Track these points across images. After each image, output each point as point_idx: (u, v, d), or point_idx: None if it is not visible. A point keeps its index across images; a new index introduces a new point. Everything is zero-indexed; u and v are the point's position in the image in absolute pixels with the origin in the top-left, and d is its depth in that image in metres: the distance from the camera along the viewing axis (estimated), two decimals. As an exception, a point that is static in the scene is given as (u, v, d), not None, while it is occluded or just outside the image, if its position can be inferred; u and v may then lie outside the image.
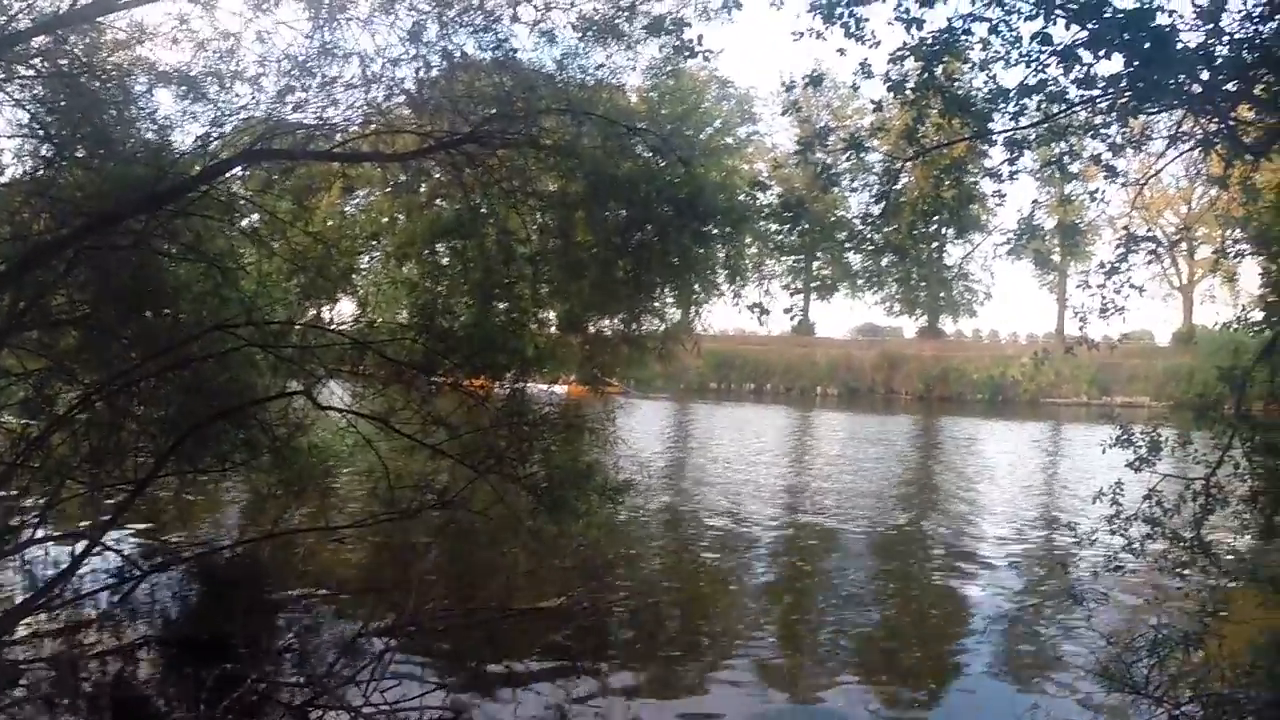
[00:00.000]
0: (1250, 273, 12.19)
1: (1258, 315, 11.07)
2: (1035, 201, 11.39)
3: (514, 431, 12.23)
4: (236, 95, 13.37)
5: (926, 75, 9.40)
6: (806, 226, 10.48)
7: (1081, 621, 12.39)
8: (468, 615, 12.62)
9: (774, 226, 10.87)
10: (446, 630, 12.31)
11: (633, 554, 19.15)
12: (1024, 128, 9.73)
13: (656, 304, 15.50)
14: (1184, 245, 77.71)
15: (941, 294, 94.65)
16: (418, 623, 11.84)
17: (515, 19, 14.47)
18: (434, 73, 13.73)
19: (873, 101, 10.38)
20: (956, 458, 41.33)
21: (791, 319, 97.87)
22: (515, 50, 14.42)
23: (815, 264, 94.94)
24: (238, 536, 14.90)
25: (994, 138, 9.93)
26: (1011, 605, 16.44)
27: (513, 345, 13.49)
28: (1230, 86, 8.46)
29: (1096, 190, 11.10)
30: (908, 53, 9.37)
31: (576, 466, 12.39)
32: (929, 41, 9.19)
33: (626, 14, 14.09)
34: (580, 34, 14.25)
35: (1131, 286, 10.58)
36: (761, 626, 15.06)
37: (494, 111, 13.59)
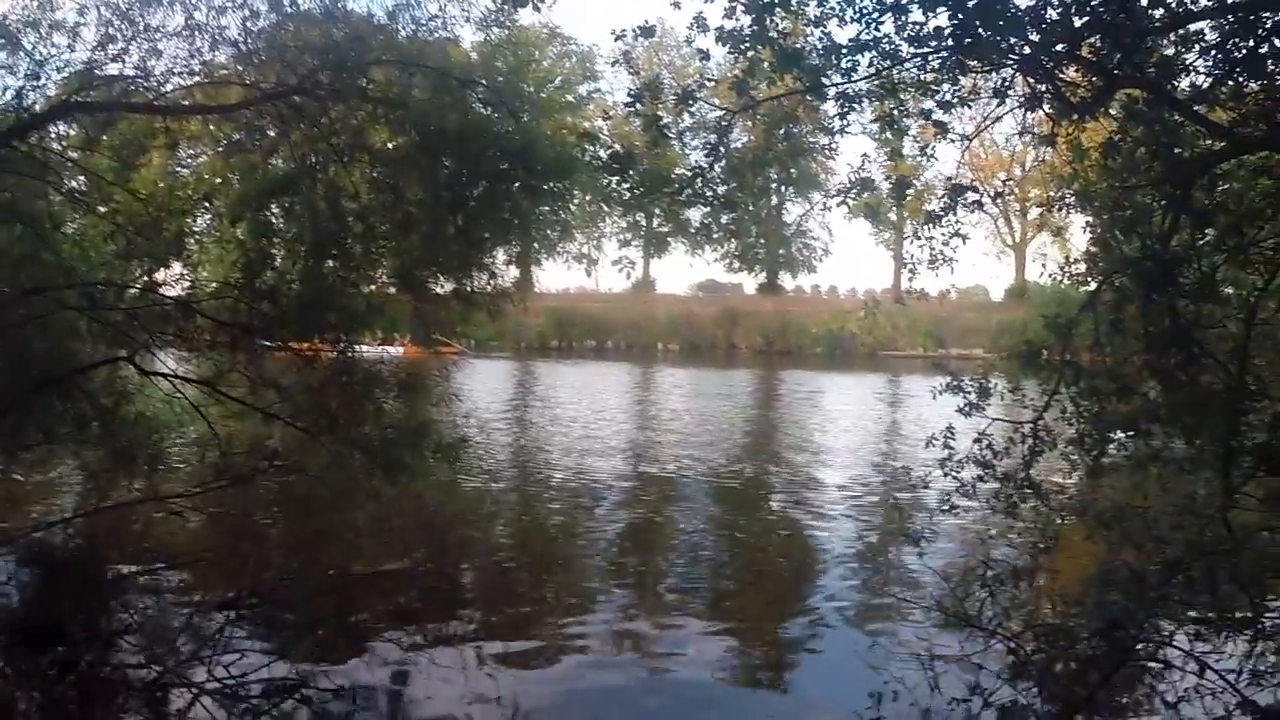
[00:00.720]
0: (1080, 231, 12.61)
1: (1082, 268, 11.44)
2: (865, 155, 11.56)
3: (345, 391, 11.96)
4: (54, 46, 12.76)
5: (758, 29, 9.40)
6: (637, 179, 10.45)
7: (918, 562, 12.70)
8: (310, 582, 12.34)
9: (608, 181, 10.83)
10: (289, 599, 12.01)
11: (477, 513, 18.99)
12: (857, 80, 9.84)
13: (489, 260, 15.24)
14: (1016, 204, 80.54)
15: (781, 251, 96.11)
16: (260, 593, 11.56)
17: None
18: (261, 22, 13.33)
19: (700, 51, 10.32)
20: (796, 409, 42.09)
21: (620, 269, 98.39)
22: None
23: (655, 220, 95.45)
24: (69, 514, 14.26)
25: (827, 93, 10.02)
26: (852, 548, 16.77)
27: (342, 304, 13.15)
28: (1059, 48, 8.67)
29: (928, 147, 11.33)
30: (740, 4, 9.36)
31: (410, 425, 12.18)
32: None
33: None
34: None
35: (957, 235, 10.94)
36: (610, 581, 15.02)
37: (322, 63, 13.22)
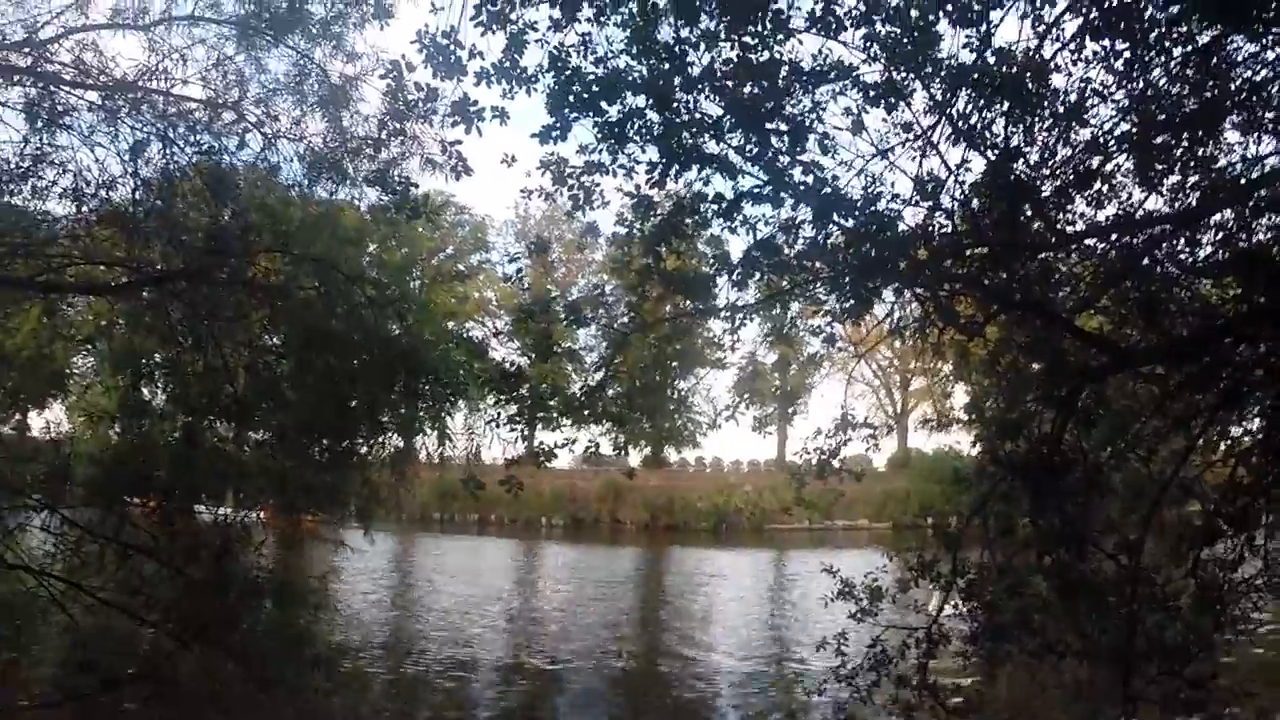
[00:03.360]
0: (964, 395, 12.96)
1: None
2: (752, 364, 11.86)
3: (221, 598, 11.41)
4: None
5: (649, 261, 9.48)
6: (524, 397, 10.30)
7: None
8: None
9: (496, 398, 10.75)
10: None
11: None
12: (748, 296, 9.97)
13: (363, 454, 14.93)
14: (896, 377, 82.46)
15: (666, 425, 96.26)
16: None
17: (243, 145, 14.12)
18: (150, 195, 13.22)
19: (590, 286, 10.45)
20: (683, 596, 40.94)
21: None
22: (239, 184, 14.07)
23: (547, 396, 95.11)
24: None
25: (716, 310, 10.16)
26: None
27: (216, 468, 12.78)
28: (947, 264, 8.86)
29: (817, 353, 11.58)
30: (631, 235, 9.48)
31: (288, 633, 11.67)
32: (654, 227, 9.29)
33: (351, 155, 13.91)
34: (306, 168, 14.02)
35: (848, 470, 11.45)
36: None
37: (208, 247, 13.05)
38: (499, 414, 10.29)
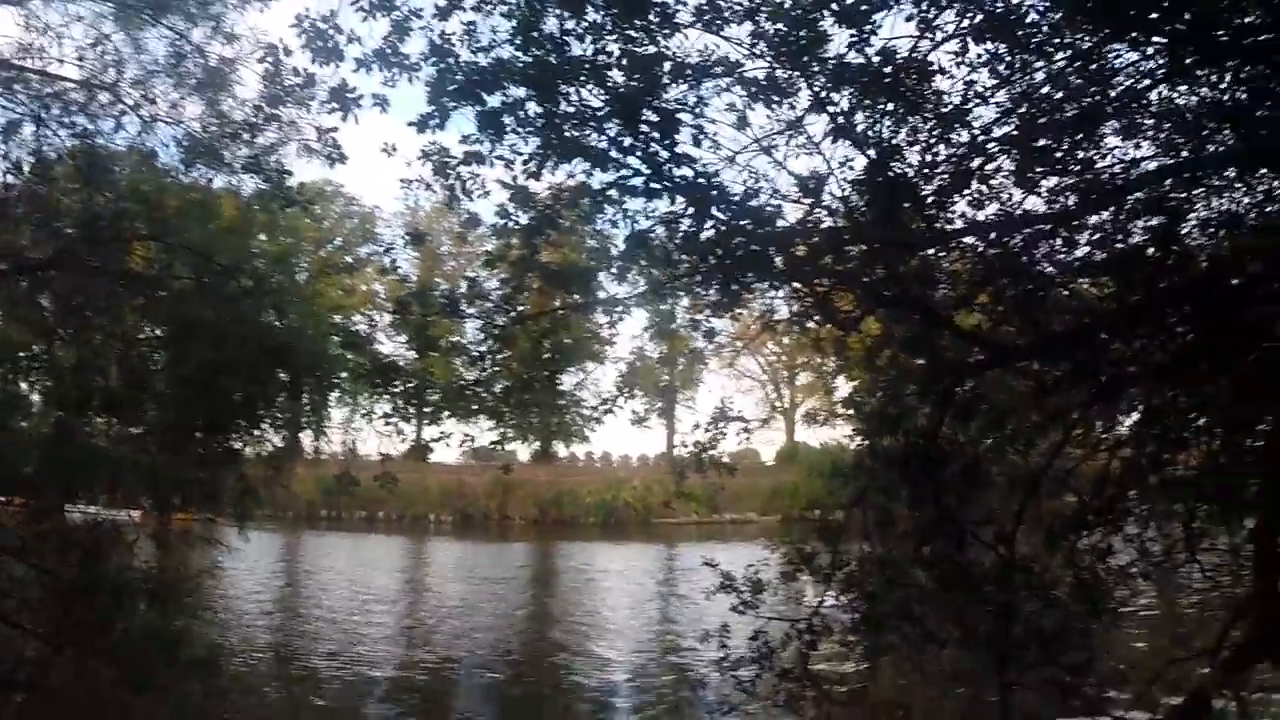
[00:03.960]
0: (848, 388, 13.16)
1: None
2: (634, 359, 11.81)
3: (92, 600, 11.10)
4: None
5: (527, 251, 9.42)
6: (400, 391, 10.26)
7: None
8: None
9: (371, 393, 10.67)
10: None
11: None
12: (625, 300, 9.96)
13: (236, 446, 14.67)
14: (784, 372, 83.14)
15: (554, 419, 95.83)
16: None
17: (119, 128, 13.77)
18: (22, 179, 12.82)
19: (467, 278, 10.34)
20: (568, 592, 40.82)
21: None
22: (115, 168, 13.73)
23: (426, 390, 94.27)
24: None
25: (596, 305, 10.15)
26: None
27: (90, 469, 12.47)
28: (826, 260, 8.93)
29: (700, 348, 11.59)
30: (510, 226, 9.40)
31: (163, 636, 11.39)
32: (532, 219, 9.22)
33: (229, 141, 13.63)
34: (184, 153, 13.72)
35: (723, 464, 11.54)
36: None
37: (82, 233, 12.69)
38: (373, 408, 10.16)
